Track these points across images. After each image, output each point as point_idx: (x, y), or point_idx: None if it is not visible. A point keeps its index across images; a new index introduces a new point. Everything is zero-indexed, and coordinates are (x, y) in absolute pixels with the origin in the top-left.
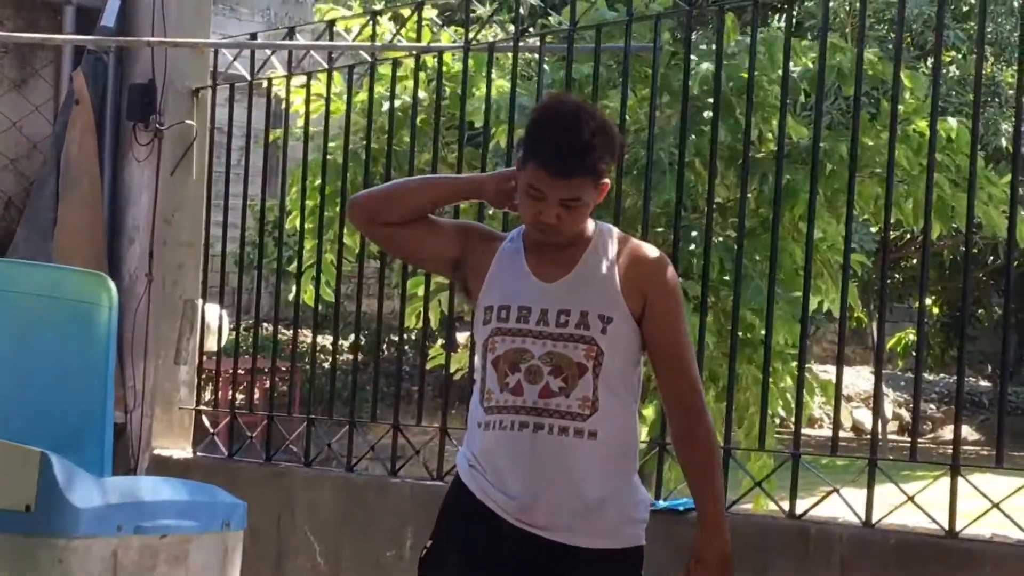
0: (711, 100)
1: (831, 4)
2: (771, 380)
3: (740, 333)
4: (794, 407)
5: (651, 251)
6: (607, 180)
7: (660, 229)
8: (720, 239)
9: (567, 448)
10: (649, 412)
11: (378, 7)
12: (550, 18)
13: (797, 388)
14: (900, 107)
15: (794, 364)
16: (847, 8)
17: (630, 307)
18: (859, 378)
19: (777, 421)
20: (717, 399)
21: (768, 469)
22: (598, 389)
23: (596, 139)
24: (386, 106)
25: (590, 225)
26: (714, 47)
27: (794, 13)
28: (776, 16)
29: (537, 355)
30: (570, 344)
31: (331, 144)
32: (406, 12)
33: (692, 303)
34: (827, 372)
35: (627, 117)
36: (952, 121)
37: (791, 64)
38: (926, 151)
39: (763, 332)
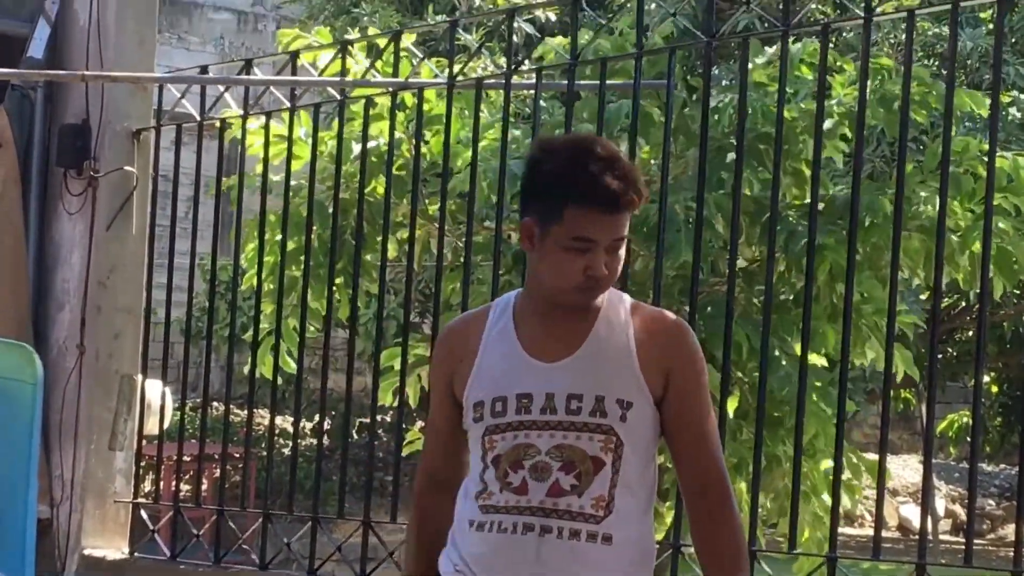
0: (734, 143)
1: (873, 36)
2: (811, 464)
3: (775, 413)
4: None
5: (669, 318)
6: None
7: (675, 297)
8: (743, 306)
9: (578, 554)
10: (666, 511)
11: (349, 36)
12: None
13: (834, 480)
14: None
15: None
16: (892, 40)
17: (650, 387)
18: (906, 468)
19: (821, 514)
20: (747, 489)
21: (801, 574)
22: (616, 487)
23: (634, 165)
24: (357, 150)
25: None
26: (731, 83)
27: (830, 44)
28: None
29: (544, 449)
30: (584, 434)
31: (293, 195)
32: (381, 42)
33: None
34: (870, 461)
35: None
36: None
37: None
38: (983, 194)
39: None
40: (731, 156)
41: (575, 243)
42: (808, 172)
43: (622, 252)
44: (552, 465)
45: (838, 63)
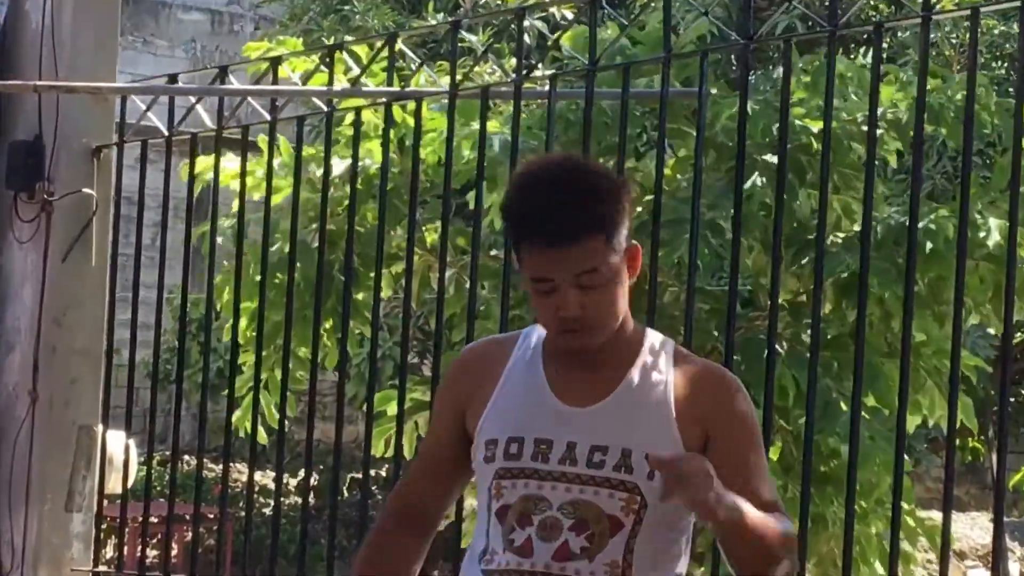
0: (765, 158)
1: (932, 36)
2: (861, 526)
3: (822, 467)
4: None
5: (716, 370)
6: (633, 242)
7: (710, 333)
8: (789, 344)
9: None
10: None
11: (333, 42)
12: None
13: (891, 539)
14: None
15: (889, 506)
16: (953, 40)
17: (687, 444)
18: (975, 528)
19: None
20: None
21: None
22: (632, 552)
23: (597, 185)
24: (344, 170)
25: (635, 331)
26: (765, 92)
27: (884, 46)
28: (860, 51)
29: (556, 504)
30: (604, 491)
31: (274, 228)
32: (375, 46)
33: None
34: (932, 519)
35: (664, 185)
36: None
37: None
38: None
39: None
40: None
41: (537, 284)
42: (858, 187)
43: (610, 288)
44: (563, 523)
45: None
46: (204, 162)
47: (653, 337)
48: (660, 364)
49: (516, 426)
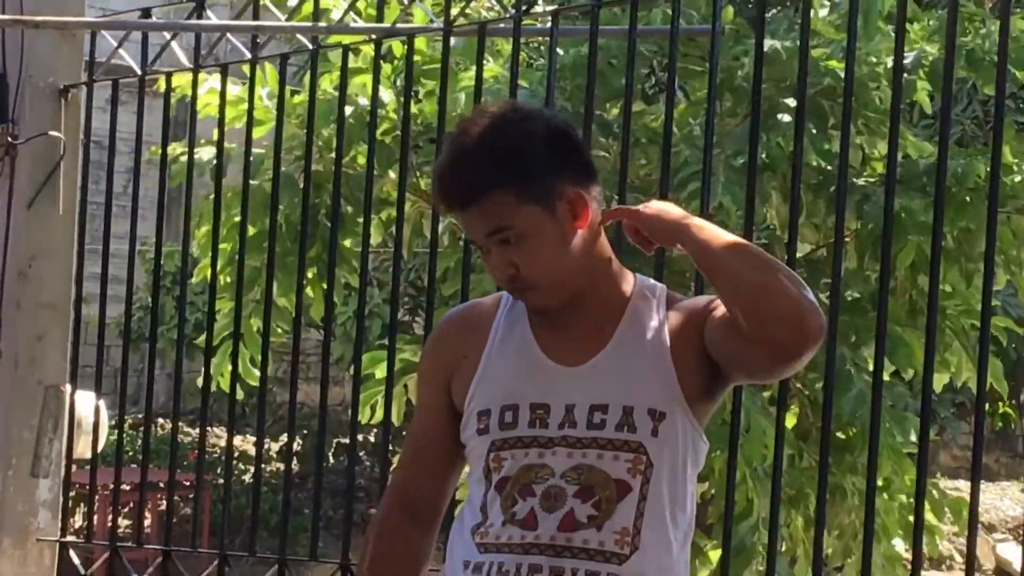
0: (785, 101)
1: None
2: (882, 498)
3: (841, 434)
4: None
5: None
6: (574, 190)
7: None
8: None
9: None
10: (710, 549)
11: None
12: None
13: (915, 512)
14: None
15: (898, 483)
16: None
17: (690, 390)
18: (1004, 499)
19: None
20: (806, 526)
21: None
22: (642, 517)
23: (505, 138)
24: (332, 111)
25: (628, 281)
26: (788, 29)
27: None
28: None
29: (559, 471)
30: (608, 453)
31: (256, 168)
32: None
33: (767, 393)
34: (959, 489)
35: (675, 129)
36: None
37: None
38: None
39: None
40: (784, 117)
41: (474, 246)
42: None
43: (534, 243)
44: (567, 490)
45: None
46: (180, 96)
47: (643, 284)
48: (653, 310)
49: (509, 393)
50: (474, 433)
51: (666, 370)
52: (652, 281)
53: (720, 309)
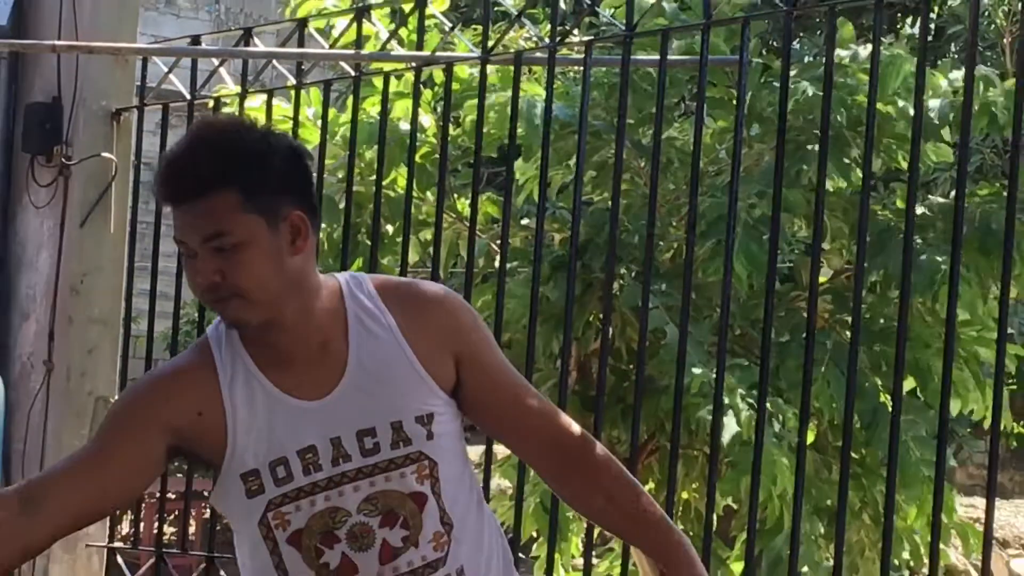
0: (813, 133)
1: (983, 3)
2: (898, 517)
3: (853, 453)
4: (928, 556)
5: (425, 290)
6: (296, 212)
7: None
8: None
9: None
10: (732, 559)
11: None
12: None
13: (932, 531)
14: None
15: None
16: (1004, 9)
17: (441, 383)
18: (1018, 515)
19: (905, 574)
20: (827, 536)
21: None
22: (446, 512)
23: (239, 144)
24: (374, 134)
25: (333, 290)
26: (813, 60)
27: (932, 15)
28: (908, 20)
29: (354, 508)
30: (394, 474)
31: None
32: (405, 8)
33: (791, 418)
34: (975, 508)
35: (702, 156)
36: None
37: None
38: None
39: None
40: (812, 147)
41: (180, 249)
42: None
43: (249, 257)
44: (370, 523)
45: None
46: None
47: (344, 280)
48: (373, 312)
49: (269, 447)
50: (241, 496)
51: (415, 372)
52: (350, 275)
53: (484, 363)
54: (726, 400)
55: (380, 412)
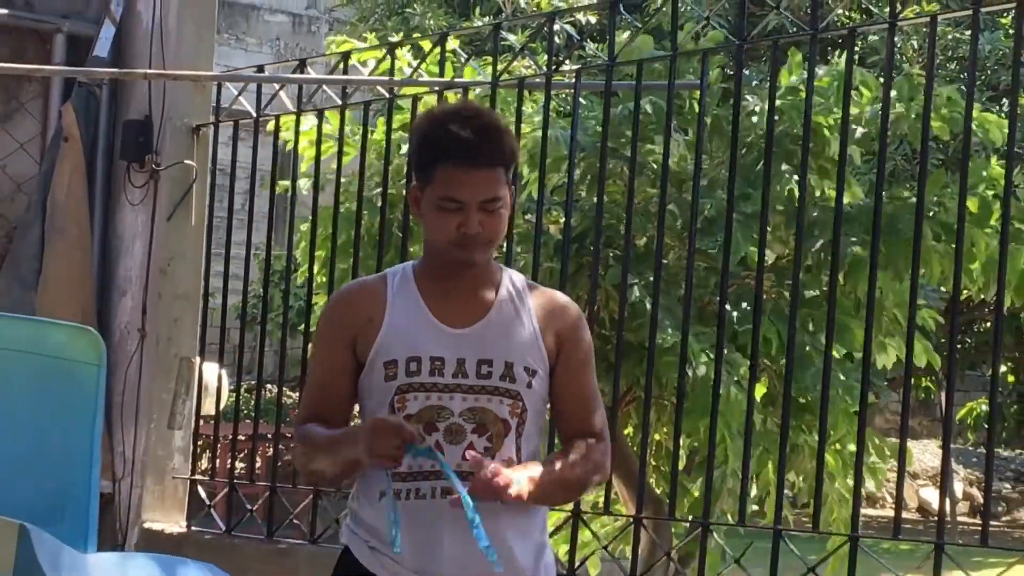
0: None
1: (897, 39)
2: (836, 449)
3: (802, 399)
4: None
5: (562, 297)
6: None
7: (708, 288)
8: (774, 301)
9: (498, 514)
10: (693, 487)
11: (396, 39)
12: (588, 50)
13: (856, 463)
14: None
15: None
16: (914, 45)
17: (549, 355)
18: (926, 453)
19: (847, 495)
20: (775, 471)
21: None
22: (520, 450)
23: (505, 127)
24: (404, 147)
25: (495, 264)
26: (762, 84)
27: (856, 48)
28: (837, 52)
29: (457, 412)
30: (495, 398)
31: (343, 190)
32: (427, 45)
33: (741, 370)
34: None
35: (671, 165)
36: None
37: (853, 107)
38: (994, 212)
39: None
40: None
41: (445, 203)
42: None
43: (502, 214)
44: (466, 428)
45: (862, 81)
46: (286, 136)
47: (507, 269)
48: (520, 291)
49: (412, 347)
50: (380, 379)
51: (535, 336)
52: (512, 270)
53: (576, 360)
54: (691, 359)
55: (500, 351)
